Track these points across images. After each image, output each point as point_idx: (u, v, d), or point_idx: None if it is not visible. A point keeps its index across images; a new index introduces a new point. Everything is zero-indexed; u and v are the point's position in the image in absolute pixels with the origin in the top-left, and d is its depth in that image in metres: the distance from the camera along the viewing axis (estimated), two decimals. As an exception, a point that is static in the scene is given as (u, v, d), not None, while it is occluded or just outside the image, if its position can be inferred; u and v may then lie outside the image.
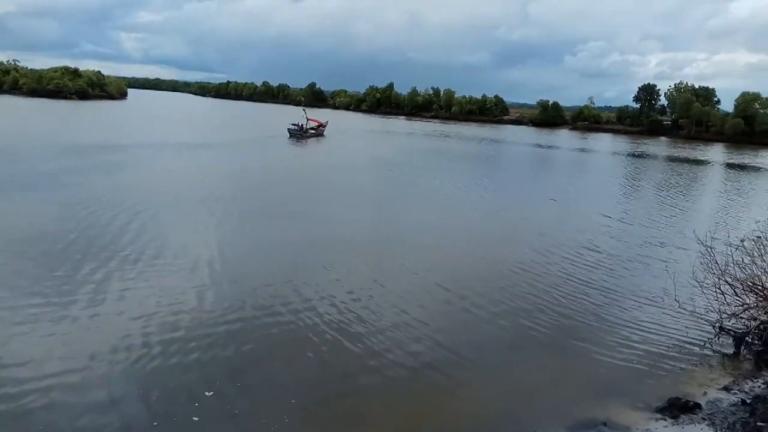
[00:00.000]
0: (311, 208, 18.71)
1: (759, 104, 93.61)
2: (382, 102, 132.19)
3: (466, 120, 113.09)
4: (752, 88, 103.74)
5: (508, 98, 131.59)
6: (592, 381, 7.57)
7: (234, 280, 10.79)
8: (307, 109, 59.00)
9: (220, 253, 12.50)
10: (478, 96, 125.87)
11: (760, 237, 9.97)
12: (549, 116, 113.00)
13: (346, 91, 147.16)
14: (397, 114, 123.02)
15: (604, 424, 6.35)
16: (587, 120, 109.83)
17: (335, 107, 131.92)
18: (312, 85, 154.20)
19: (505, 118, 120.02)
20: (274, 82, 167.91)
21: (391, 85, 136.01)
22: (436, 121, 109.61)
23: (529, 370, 8.01)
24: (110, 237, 13.05)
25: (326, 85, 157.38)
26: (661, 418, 6.44)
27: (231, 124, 62.55)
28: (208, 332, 8.41)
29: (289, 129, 48.51)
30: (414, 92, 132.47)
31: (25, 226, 13.48)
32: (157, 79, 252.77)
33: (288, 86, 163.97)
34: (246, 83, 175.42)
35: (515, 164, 42.27)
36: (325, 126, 53.75)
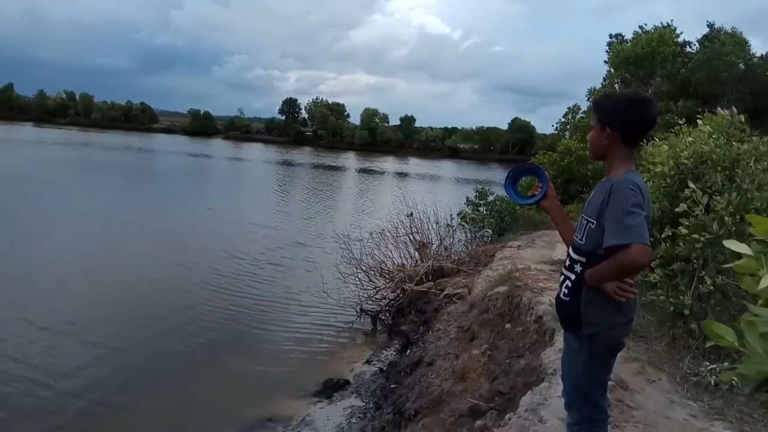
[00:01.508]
0: None
1: (378, 118, 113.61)
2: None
3: (111, 128, 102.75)
4: (372, 105, 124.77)
5: (157, 106, 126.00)
6: (255, 384, 7.82)
7: None
8: None
9: None
10: (123, 102, 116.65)
11: (383, 230, 12.06)
12: (201, 125, 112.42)
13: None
14: (22, 120, 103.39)
15: (269, 419, 6.68)
16: (239, 130, 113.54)
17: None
18: None
19: (155, 126, 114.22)
20: None
21: (10, 86, 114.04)
22: (73, 128, 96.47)
23: (191, 386, 7.77)
24: None
25: None
26: (319, 401, 7.12)
27: None
28: None
29: None
30: (42, 95, 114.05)
31: None
32: None
33: None
34: None
35: (170, 174, 40.61)
36: None
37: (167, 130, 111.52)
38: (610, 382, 2.89)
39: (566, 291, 2.63)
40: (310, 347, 9.37)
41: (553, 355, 4.54)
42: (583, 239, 2.54)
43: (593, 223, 2.47)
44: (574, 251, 2.62)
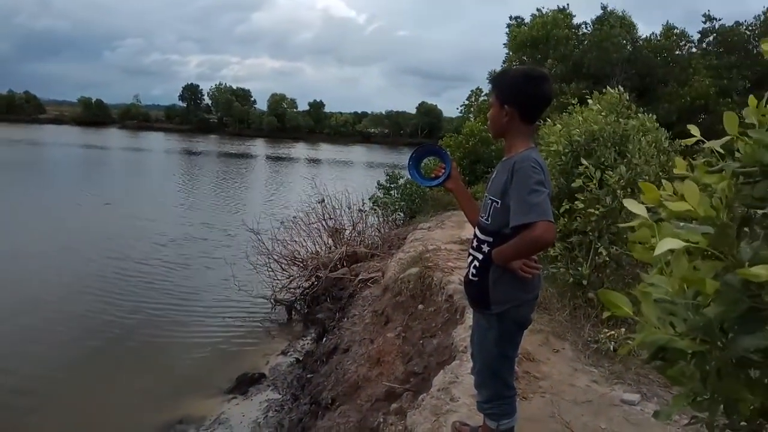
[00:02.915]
0: None
1: (286, 104, 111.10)
2: None
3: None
4: (279, 90, 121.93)
5: (43, 95, 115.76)
6: (164, 388, 7.39)
7: None
8: None
9: None
10: (3, 92, 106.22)
11: (295, 217, 11.82)
12: (94, 115, 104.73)
13: None
14: None
15: (180, 422, 6.35)
16: (136, 119, 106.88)
17: None
18: None
19: (42, 117, 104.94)
20: None
21: None
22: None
23: (93, 397, 7.23)
24: None
25: None
26: (233, 398, 6.87)
27: None
28: None
29: None
30: None
31: None
32: None
33: None
34: None
35: (63, 169, 37.48)
36: None
37: (56, 121, 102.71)
38: (516, 357, 2.96)
39: (474, 271, 2.64)
40: (223, 344, 9.02)
41: (463, 333, 4.63)
42: (489, 219, 2.54)
43: (498, 203, 2.48)
44: (481, 231, 2.63)
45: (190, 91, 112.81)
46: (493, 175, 2.66)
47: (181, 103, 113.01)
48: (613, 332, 4.33)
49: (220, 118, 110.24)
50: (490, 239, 2.55)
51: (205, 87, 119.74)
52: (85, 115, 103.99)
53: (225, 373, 7.74)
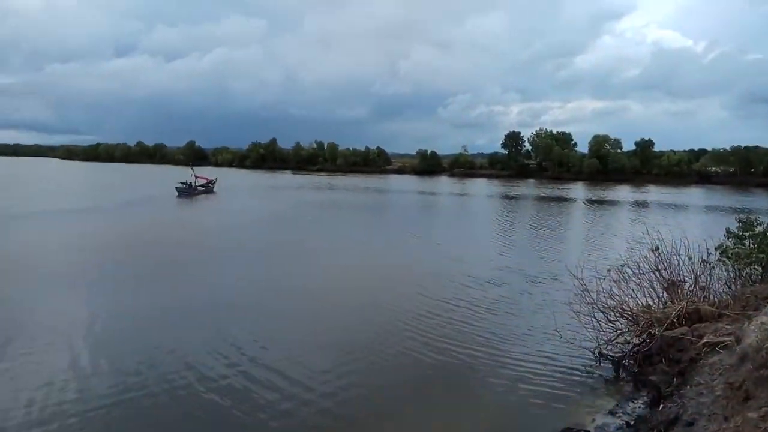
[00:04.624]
0: (206, 268, 17.79)
1: (609, 145, 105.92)
2: (266, 157, 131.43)
3: (351, 171, 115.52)
4: (601, 131, 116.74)
5: (389, 149, 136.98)
6: (484, 421, 7.62)
7: (128, 350, 9.82)
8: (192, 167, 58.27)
9: (104, 325, 11.35)
10: (361, 148, 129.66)
11: (623, 265, 10.92)
12: (428, 164, 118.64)
13: (228, 148, 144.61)
14: (282, 168, 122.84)
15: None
16: (463, 166, 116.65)
17: (217, 164, 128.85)
18: (191, 144, 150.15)
19: (389, 168, 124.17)
20: (149, 142, 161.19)
21: (273, 141, 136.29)
22: (322, 173, 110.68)
23: (419, 417, 7.90)
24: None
25: (206, 143, 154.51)
26: (558, 451, 6.63)
27: (108, 187, 58.59)
28: (102, 406, 7.48)
29: (177, 187, 47.36)
30: (298, 146, 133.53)
31: None
32: (17, 144, 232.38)
33: (165, 145, 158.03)
34: (118, 144, 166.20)
35: (401, 211, 43.45)
36: (214, 183, 53.22)
37: (399, 171, 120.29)
38: None
39: None
40: (543, 389, 8.86)
41: None
42: None
43: None
44: None
45: (512, 138, 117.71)
46: None
47: (503, 150, 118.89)
48: None
49: (539, 163, 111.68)
50: None
51: (526, 133, 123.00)
52: (421, 165, 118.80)
53: (543, 420, 7.56)
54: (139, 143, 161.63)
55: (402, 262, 20.43)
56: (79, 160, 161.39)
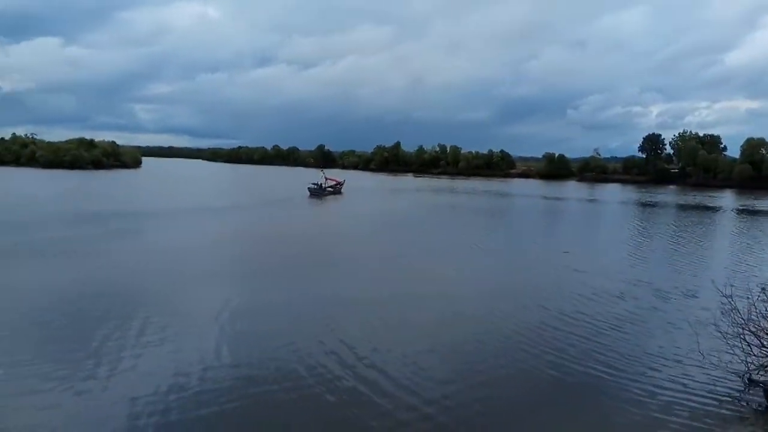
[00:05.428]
0: (333, 268, 18.81)
1: (765, 149, 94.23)
2: (390, 160, 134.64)
3: (474, 175, 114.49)
4: (756, 134, 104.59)
5: (513, 152, 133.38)
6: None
7: (251, 342, 10.75)
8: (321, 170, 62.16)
9: (239, 316, 12.48)
10: (484, 151, 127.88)
11: (780, 284, 9.83)
12: (555, 168, 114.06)
13: (354, 152, 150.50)
14: (405, 171, 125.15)
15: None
16: (594, 171, 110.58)
17: (344, 167, 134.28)
18: (321, 147, 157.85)
19: (512, 171, 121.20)
20: (284, 146, 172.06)
21: (397, 144, 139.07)
22: (444, 177, 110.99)
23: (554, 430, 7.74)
24: (123, 304, 13.05)
25: (334, 147, 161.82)
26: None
27: (247, 187, 64.03)
28: (225, 396, 8.32)
29: (309, 188, 51.16)
30: (421, 150, 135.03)
31: (36, 293, 13.63)
32: (171, 147, 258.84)
33: (297, 149, 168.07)
34: (257, 147, 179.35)
35: (526, 216, 42.34)
36: (342, 184, 56.29)
37: (523, 175, 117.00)
38: None
39: None
40: (685, 413, 8.25)
41: None
42: None
43: None
44: None
45: (651, 141, 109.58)
46: None
47: (640, 154, 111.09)
48: None
49: (682, 168, 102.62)
50: None
51: (667, 136, 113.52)
52: (547, 169, 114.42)
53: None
54: (275, 147, 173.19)
55: (524, 270, 19.94)
56: (222, 161, 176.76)
